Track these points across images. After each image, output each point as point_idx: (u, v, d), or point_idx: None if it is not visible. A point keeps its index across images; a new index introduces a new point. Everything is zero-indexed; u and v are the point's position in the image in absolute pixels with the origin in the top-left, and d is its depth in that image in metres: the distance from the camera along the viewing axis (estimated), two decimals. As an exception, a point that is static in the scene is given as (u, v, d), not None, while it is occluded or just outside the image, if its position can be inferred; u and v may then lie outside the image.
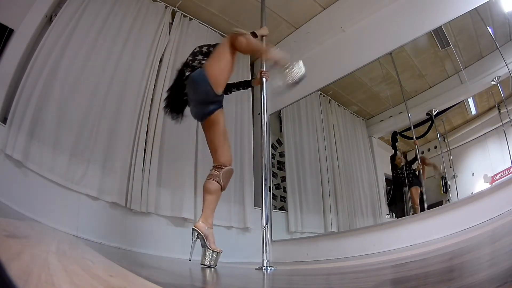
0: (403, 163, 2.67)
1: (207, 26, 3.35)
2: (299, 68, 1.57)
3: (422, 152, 2.56)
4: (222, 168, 1.61)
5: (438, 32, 2.45)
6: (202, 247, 1.48)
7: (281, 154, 3.46)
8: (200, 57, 1.69)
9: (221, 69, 1.57)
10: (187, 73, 1.62)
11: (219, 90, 1.56)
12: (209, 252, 1.47)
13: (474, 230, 1.64)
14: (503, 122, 2.11)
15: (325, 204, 3.12)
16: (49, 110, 2.10)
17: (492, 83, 2.21)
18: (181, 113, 1.75)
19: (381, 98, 3.05)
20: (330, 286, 0.94)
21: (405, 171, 2.64)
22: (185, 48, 3.07)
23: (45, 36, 2.23)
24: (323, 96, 3.28)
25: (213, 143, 1.65)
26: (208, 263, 1.46)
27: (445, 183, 2.36)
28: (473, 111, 2.46)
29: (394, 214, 2.74)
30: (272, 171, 3.30)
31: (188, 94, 1.64)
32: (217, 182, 1.58)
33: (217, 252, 1.50)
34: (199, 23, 3.30)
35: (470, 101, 2.49)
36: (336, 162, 3.15)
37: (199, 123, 1.74)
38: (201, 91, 1.56)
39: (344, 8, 3.11)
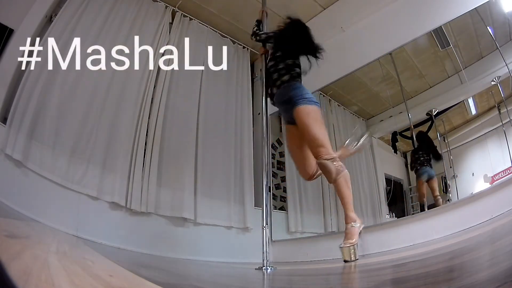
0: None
1: (207, 26, 3.35)
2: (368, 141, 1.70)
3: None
4: None
5: (438, 32, 2.45)
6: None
7: (281, 154, 3.45)
8: None
9: None
10: None
11: None
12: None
13: (474, 230, 1.64)
14: (503, 122, 2.11)
15: (325, 204, 3.12)
16: (49, 110, 2.10)
17: (492, 83, 2.21)
18: None
19: (381, 98, 3.05)
20: (330, 286, 0.94)
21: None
22: (185, 48, 3.07)
23: (45, 36, 2.23)
24: (323, 96, 3.27)
25: None
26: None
27: (445, 183, 2.36)
28: (473, 111, 2.46)
29: (394, 214, 2.74)
30: (272, 171, 3.30)
31: None
32: None
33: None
34: (199, 23, 3.30)
35: (470, 101, 2.49)
36: (336, 162, 3.14)
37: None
38: None
39: (344, 8, 3.10)
